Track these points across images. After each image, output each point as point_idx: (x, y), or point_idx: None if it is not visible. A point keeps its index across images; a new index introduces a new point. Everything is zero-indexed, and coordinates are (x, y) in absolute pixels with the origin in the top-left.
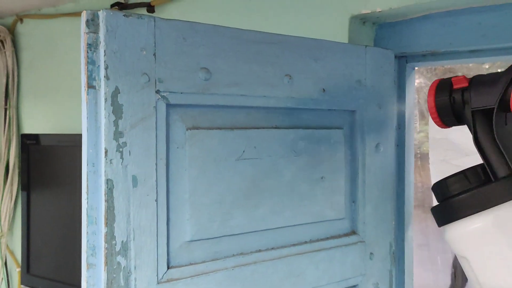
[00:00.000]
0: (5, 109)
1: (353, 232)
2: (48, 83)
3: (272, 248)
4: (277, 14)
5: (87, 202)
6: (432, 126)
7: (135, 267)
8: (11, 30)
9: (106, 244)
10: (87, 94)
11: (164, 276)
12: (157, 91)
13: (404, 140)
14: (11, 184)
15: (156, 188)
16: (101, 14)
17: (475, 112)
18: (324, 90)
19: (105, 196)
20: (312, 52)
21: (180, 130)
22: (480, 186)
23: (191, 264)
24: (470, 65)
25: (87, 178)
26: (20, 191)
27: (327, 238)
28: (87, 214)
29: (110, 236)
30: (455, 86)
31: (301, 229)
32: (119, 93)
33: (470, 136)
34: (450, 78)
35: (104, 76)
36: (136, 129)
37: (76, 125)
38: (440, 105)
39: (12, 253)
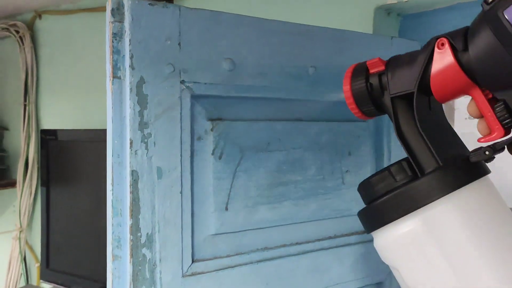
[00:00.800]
0: (24, 105)
1: None
2: (67, 78)
3: (297, 243)
4: (301, 4)
5: (112, 193)
6: (458, 121)
7: (160, 260)
8: (30, 26)
9: (131, 236)
10: (112, 84)
11: (189, 269)
12: (182, 81)
13: None
14: (31, 180)
15: (181, 180)
16: (126, 3)
17: (395, 98)
18: None
19: (130, 187)
20: (337, 43)
21: (204, 121)
22: (406, 183)
23: (215, 257)
24: None
25: (112, 170)
26: (39, 187)
27: (352, 234)
28: (112, 205)
29: (135, 228)
30: (371, 71)
31: (325, 223)
32: (144, 83)
33: None
34: (365, 62)
35: (130, 66)
36: (161, 119)
37: (94, 120)
38: (357, 93)
39: (31, 248)
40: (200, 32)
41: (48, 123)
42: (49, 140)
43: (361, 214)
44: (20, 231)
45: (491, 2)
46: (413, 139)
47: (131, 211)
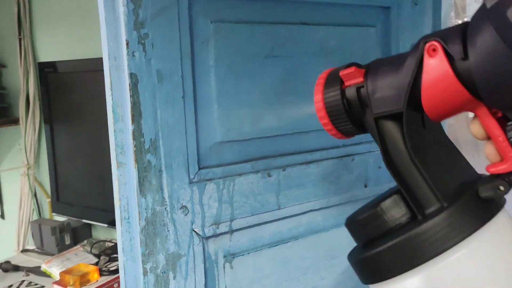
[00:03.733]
0: (19, 39)
1: None
2: (61, 8)
3: (305, 152)
4: None
5: (112, 98)
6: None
7: (165, 166)
8: None
9: (134, 141)
10: None
11: (196, 176)
12: None
13: None
14: (33, 116)
15: (183, 85)
16: None
17: (379, 119)
18: None
19: (130, 91)
20: None
21: (204, 24)
22: (405, 228)
23: (222, 165)
24: None
25: (109, 73)
26: (43, 123)
27: (361, 143)
28: (112, 111)
29: (138, 133)
30: (346, 83)
31: None
32: None
33: None
34: (338, 70)
35: None
36: (158, 20)
37: (92, 49)
38: (331, 110)
39: (41, 185)
40: None
41: (45, 56)
42: (47, 73)
43: (354, 262)
44: (28, 168)
45: None
46: (406, 171)
47: (132, 115)
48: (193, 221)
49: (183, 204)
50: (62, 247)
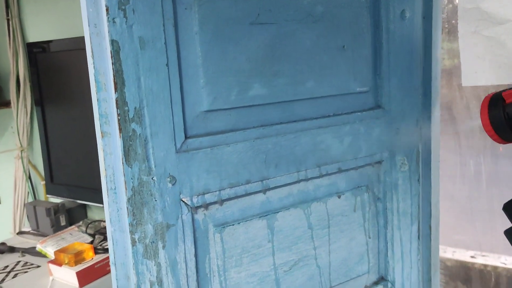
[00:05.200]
0: (8, 20)
1: (378, 106)
2: None
3: (295, 121)
4: None
5: (94, 66)
6: None
7: (151, 135)
8: None
9: (118, 110)
10: None
11: (182, 145)
12: None
13: (431, 10)
14: (24, 99)
15: (166, 51)
16: None
17: None
18: None
19: (111, 59)
20: None
21: None
22: None
23: (210, 134)
24: None
25: (90, 41)
26: (34, 106)
27: (352, 112)
28: (95, 79)
29: (121, 102)
30: (507, 101)
31: (324, 101)
32: None
33: (505, 2)
34: (501, 92)
35: None
36: None
37: (80, 27)
38: (495, 122)
39: (35, 167)
40: None
41: (34, 36)
42: (36, 53)
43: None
44: (22, 151)
45: None
46: None
47: (115, 84)
48: (181, 191)
49: (170, 174)
50: (57, 228)
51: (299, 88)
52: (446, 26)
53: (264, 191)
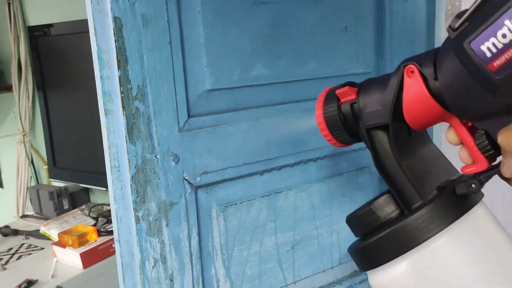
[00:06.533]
0: (8, 4)
1: None
2: None
3: (297, 101)
4: None
5: (97, 44)
6: None
7: (154, 114)
8: None
9: (121, 88)
10: None
11: (185, 124)
12: None
13: None
14: (26, 83)
15: (169, 30)
16: None
17: (370, 130)
18: None
19: (114, 36)
20: None
21: None
22: (394, 221)
23: (212, 113)
24: None
25: (93, 18)
26: (36, 90)
27: None
28: (98, 57)
29: (124, 80)
30: (342, 100)
31: (326, 82)
32: None
33: None
34: (335, 89)
35: None
36: None
37: (82, 10)
38: (330, 123)
39: (37, 152)
40: None
41: (35, 20)
42: (37, 37)
43: (353, 253)
44: (24, 135)
45: (456, 28)
46: (394, 174)
47: (118, 61)
48: (184, 169)
49: (174, 152)
50: (60, 212)
51: (302, 69)
52: (449, 8)
53: (266, 171)
